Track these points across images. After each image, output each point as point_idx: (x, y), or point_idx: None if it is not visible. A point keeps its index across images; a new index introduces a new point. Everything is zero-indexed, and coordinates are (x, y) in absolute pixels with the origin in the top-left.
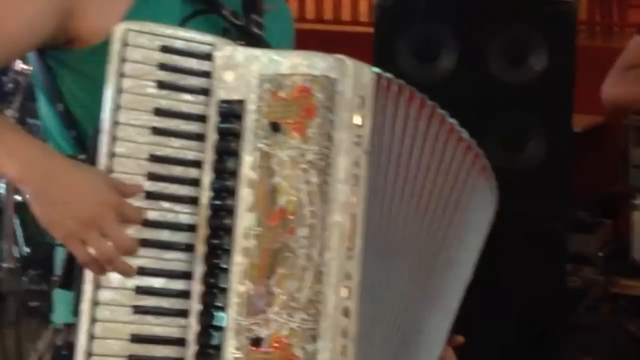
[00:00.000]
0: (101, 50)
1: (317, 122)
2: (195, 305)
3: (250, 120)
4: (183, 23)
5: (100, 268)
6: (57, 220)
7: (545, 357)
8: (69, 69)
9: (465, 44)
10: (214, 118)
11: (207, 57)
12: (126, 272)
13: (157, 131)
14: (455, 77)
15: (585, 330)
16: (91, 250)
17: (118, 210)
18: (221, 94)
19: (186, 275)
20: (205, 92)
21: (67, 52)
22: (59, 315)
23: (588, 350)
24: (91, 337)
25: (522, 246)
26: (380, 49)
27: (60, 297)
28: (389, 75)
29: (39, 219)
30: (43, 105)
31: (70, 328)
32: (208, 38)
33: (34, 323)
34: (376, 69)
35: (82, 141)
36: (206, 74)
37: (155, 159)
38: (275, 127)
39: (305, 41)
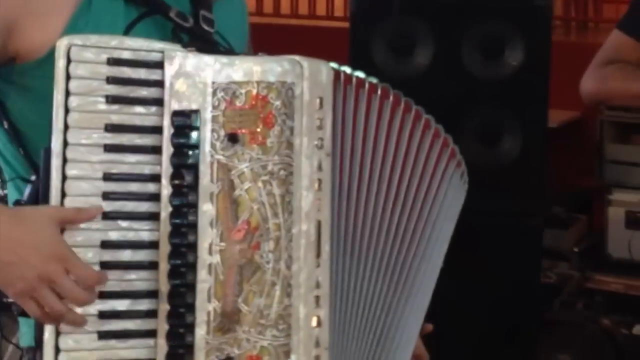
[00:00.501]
0: (44, 63)
1: (276, 131)
2: (162, 325)
3: (207, 131)
4: (129, 29)
5: (53, 321)
6: (6, 280)
7: (521, 353)
8: (12, 83)
9: (441, 38)
10: (168, 130)
11: (157, 65)
12: (77, 324)
13: (110, 148)
14: (431, 72)
15: (560, 326)
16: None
17: (66, 264)
18: (174, 104)
19: (151, 294)
20: (157, 102)
21: (8, 68)
22: (24, 337)
23: (563, 347)
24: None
25: (497, 242)
26: (356, 44)
27: (23, 319)
28: (346, 68)
29: None
30: None
31: (35, 351)
32: (157, 45)
33: (8, 319)
34: (334, 64)
35: (31, 159)
36: (157, 84)
37: (110, 177)
38: (233, 138)
39: (281, 36)
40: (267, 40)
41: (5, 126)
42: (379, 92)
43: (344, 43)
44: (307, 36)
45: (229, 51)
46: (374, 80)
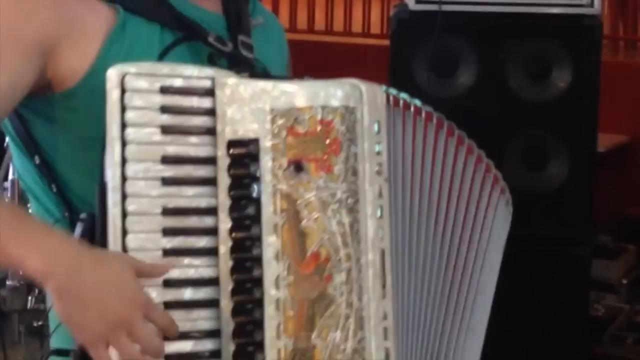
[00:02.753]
0: (77, 93)
1: (342, 157)
2: None
3: (267, 160)
4: (164, 54)
5: None
6: (84, 322)
7: None
8: (43, 117)
9: (484, 58)
10: (224, 160)
11: (209, 92)
12: None
13: (167, 181)
14: (474, 93)
15: None
16: (114, 353)
17: (145, 311)
18: (228, 133)
19: (214, 334)
20: (211, 132)
21: (40, 99)
22: (58, 339)
23: None
24: None
25: (543, 271)
26: (396, 63)
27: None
28: (394, 91)
29: (63, 319)
30: (17, 159)
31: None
32: (208, 72)
33: (37, 343)
34: (383, 87)
35: (64, 195)
36: (209, 112)
37: (169, 211)
38: (298, 167)
39: (315, 53)
40: (300, 57)
41: (37, 162)
42: (423, 114)
43: (381, 60)
44: (342, 54)
45: (280, 76)
46: (418, 102)
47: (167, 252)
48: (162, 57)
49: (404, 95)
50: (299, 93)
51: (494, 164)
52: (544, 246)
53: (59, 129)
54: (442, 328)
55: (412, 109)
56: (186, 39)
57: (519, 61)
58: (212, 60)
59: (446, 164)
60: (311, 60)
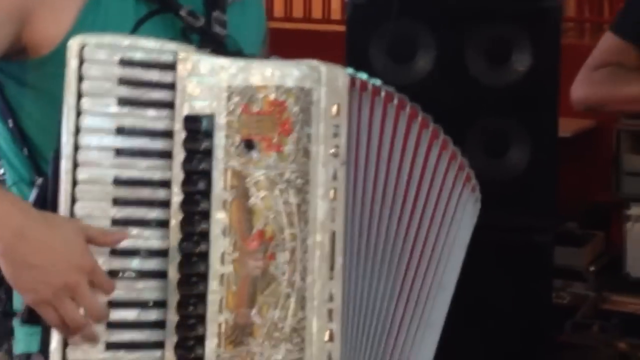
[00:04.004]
0: (51, 61)
1: (293, 138)
2: (171, 337)
3: (221, 137)
4: (137, 26)
5: (69, 332)
6: (29, 284)
7: None
8: (17, 81)
9: (443, 43)
10: (179, 134)
11: (170, 66)
12: (92, 340)
13: (121, 152)
14: (433, 78)
15: (574, 350)
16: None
17: (91, 277)
18: (186, 107)
19: (160, 305)
20: (169, 105)
21: (15, 63)
22: (18, 345)
23: None
24: None
25: (505, 259)
26: (353, 49)
27: (20, 327)
28: (363, 75)
29: (9, 280)
30: None
31: (32, 358)
32: (170, 46)
33: None
34: (350, 70)
35: (35, 160)
36: (170, 86)
37: (121, 182)
38: (249, 145)
39: (274, 40)
40: None
41: (10, 125)
42: (395, 101)
43: (341, 47)
44: (302, 40)
45: (243, 54)
46: (390, 88)
47: (116, 222)
48: (135, 29)
49: (374, 81)
50: (256, 72)
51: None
52: (506, 234)
53: (32, 94)
54: (398, 320)
55: (382, 94)
56: (160, 11)
57: (478, 45)
58: (185, 34)
59: (418, 156)
60: (270, 48)
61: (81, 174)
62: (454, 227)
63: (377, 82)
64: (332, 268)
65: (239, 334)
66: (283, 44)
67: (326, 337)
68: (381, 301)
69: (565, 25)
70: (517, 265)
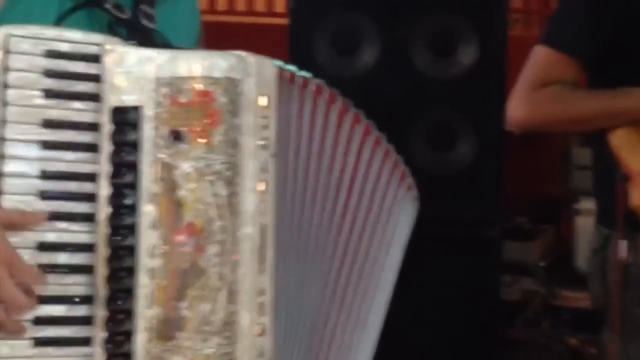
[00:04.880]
0: None
1: (222, 129)
2: (99, 333)
3: (148, 129)
4: (61, 19)
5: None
6: None
7: None
8: None
9: (387, 35)
10: (107, 126)
11: (95, 58)
12: (18, 333)
13: (48, 145)
14: (378, 71)
15: (523, 346)
16: None
17: (11, 267)
18: (113, 99)
19: (89, 300)
20: (96, 98)
21: None
22: None
23: None
24: None
25: (452, 254)
26: (296, 41)
27: None
28: (291, 67)
29: None
30: None
31: None
32: (96, 37)
33: None
34: (278, 62)
35: None
36: (95, 78)
37: (47, 175)
38: (176, 136)
39: (217, 34)
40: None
41: None
42: (326, 95)
43: (286, 41)
44: (245, 34)
45: (171, 46)
46: (321, 81)
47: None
48: (58, 22)
49: (303, 73)
50: (183, 63)
51: (399, 144)
52: (452, 229)
53: None
54: (334, 319)
55: (312, 87)
56: (84, 5)
57: (423, 37)
58: (112, 28)
59: (350, 151)
60: (212, 43)
61: (7, 167)
62: (390, 225)
63: (306, 74)
64: (262, 261)
65: (169, 329)
66: (226, 38)
67: (257, 331)
68: (314, 298)
69: (512, 16)
70: (465, 260)
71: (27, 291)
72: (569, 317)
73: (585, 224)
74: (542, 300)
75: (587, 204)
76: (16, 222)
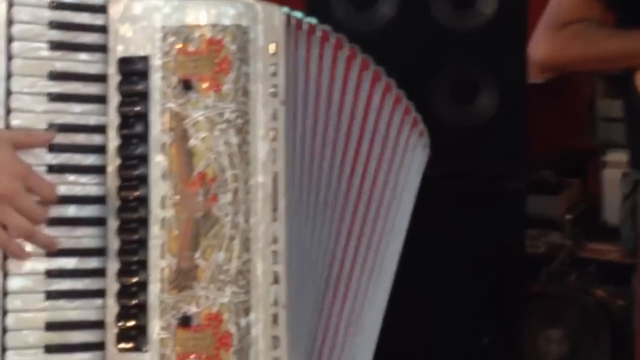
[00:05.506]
0: None
1: (232, 77)
2: (112, 284)
3: (157, 78)
4: None
5: (20, 249)
6: None
7: (505, 328)
8: None
9: None
10: (114, 77)
11: (101, 9)
12: (49, 245)
13: (54, 97)
14: (396, 24)
15: (549, 299)
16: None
17: (26, 181)
18: (119, 50)
19: (100, 252)
20: (102, 49)
21: None
22: None
23: (553, 321)
24: (4, 330)
25: (476, 209)
26: None
27: None
28: (298, 14)
29: None
30: None
31: None
32: None
33: None
34: (285, 9)
35: None
36: (102, 29)
37: (55, 128)
38: (186, 85)
39: None
40: None
41: None
42: (333, 41)
43: None
44: None
45: None
46: (327, 28)
47: (52, 169)
48: None
49: (310, 20)
50: (190, 11)
51: (420, 98)
52: (475, 183)
53: None
54: (348, 266)
55: (318, 33)
56: None
57: None
58: None
59: (359, 96)
60: None
61: (14, 120)
62: (403, 171)
63: (313, 20)
64: (275, 209)
65: (182, 279)
66: None
67: (271, 279)
68: (328, 245)
69: None
70: (488, 214)
71: (43, 203)
72: (596, 270)
73: (612, 176)
74: (569, 253)
75: (614, 156)
76: (24, 141)
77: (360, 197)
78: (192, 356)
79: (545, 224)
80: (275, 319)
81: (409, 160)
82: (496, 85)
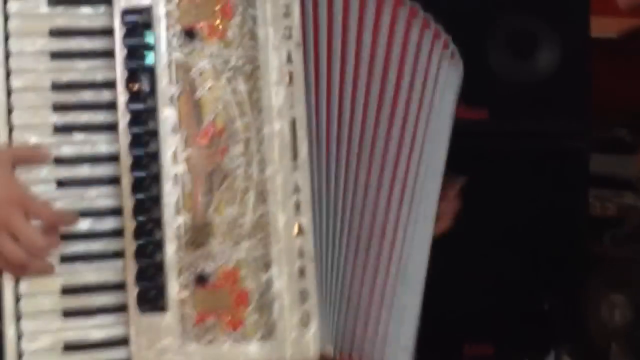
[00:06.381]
0: None
1: (237, 21)
2: (129, 244)
3: (162, 29)
4: None
5: (18, 271)
6: None
7: (568, 293)
8: None
9: None
10: (119, 30)
11: None
12: (45, 272)
13: (57, 55)
14: None
15: (615, 263)
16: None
17: (23, 206)
18: (122, 2)
19: (115, 212)
20: (104, 1)
21: None
22: None
23: (617, 286)
24: (17, 297)
25: (536, 168)
26: None
27: None
28: None
29: None
30: None
31: None
32: None
33: None
34: None
35: None
36: None
37: (60, 86)
38: (190, 34)
39: None
40: None
41: None
42: None
43: None
44: None
45: None
46: None
47: (59, 129)
48: None
49: None
50: None
51: (476, 52)
52: (536, 141)
53: None
54: (383, 212)
55: None
56: None
57: None
58: None
59: (394, 37)
60: None
61: (15, 82)
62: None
63: None
64: (295, 158)
65: (198, 235)
66: None
67: (295, 231)
68: (364, 190)
69: None
70: (549, 174)
71: (49, 230)
72: None
73: None
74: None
75: None
76: (23, 157)
77: (394, 131)
78: (211, 316)
79: (618, 185)
80: (302, 272)
81: (442, 88)
82: (558, 38)
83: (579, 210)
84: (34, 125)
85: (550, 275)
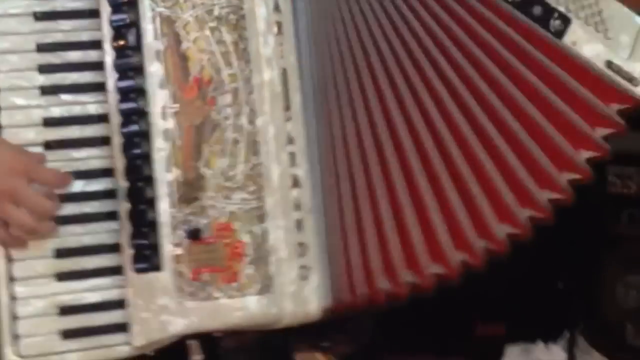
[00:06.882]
0: None
1: None
2: (122, 204)
3: None
4: None
5: (21, 242)
6: None
7: (583, 273)
8: None
9: None
10: None
11: None
12: (51, 233)
13: (40, 16)
14: None
15: (631, 243)
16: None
17: (28, 174)
18: None
19: (106, 173)
20: None
21: None
22: None
23: (633, 266)
24: (9, 259)
25: None
26: None
27: None
28: None
29: None
30: None
31: None
32: None
33: None
34: None
35: None
36: None
37: (44, 47)
38: None
39: None
40: None
41: None
42: None
43: None
44: None
45: None
46: None
47: (46, 90)
48: None
49: None
50: None
51: None
52: None
53: None
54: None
55: None
56: None
57: None
58: None
59: None
60: None
61: (0, 44)
62: None
63: None
64: (287, 108)
65: (190, 190)
66: None
67: (289, 183)
68: (352, 138)
69: None
70: None
71: (49, 195)
72: None
73: None
74: None
75: None
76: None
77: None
78: (205, 270)
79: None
80: (299, 224)
81: None
82: None
83: (597, 188)
84: (21, 87)
85: (565, 253)
